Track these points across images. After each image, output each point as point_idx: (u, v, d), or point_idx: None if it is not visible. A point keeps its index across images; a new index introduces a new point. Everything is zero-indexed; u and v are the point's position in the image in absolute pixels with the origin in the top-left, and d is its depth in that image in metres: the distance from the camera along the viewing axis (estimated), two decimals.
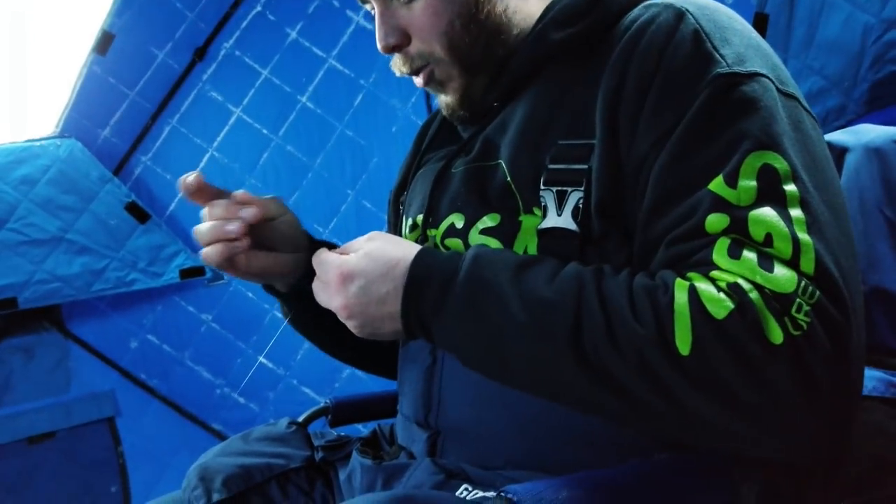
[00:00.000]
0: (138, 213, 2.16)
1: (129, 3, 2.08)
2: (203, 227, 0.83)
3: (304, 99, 2.31)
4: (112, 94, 2.16)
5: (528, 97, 0.78)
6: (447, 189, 0.82)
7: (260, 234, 0.84)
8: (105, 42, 2.08)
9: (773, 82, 0.65)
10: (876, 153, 0.94)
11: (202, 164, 2.29)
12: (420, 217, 0.85)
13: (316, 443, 0.99)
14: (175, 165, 2.28)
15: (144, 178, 2.26)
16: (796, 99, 0.67)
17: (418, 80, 0.83)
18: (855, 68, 1.41)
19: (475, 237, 0.76)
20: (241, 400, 2.31)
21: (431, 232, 0.82)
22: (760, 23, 1.60)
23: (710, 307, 0.57)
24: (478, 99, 0.82)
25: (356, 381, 2.22)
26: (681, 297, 0.58)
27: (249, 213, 0.81)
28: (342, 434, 1.05)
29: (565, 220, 0.69)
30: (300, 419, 1.17)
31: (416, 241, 0.84)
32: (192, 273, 2.23)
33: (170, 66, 2.23)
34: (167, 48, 2.21)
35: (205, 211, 0.84)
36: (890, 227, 0.90)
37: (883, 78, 1.35)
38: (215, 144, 2.29)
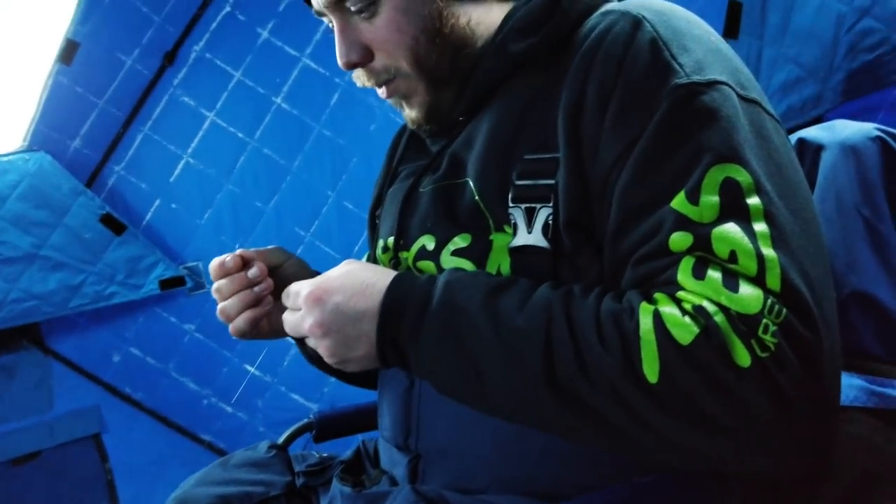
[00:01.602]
0: (114, 225, 2.12)
1: (92, 10, 2.03)
2: (229, 304, 0.86)
3: (278, 100, 2.27)
4: (80, 103, 2.12)
5: (492, 111, 0.76)
6: (416, 210, 0.81)
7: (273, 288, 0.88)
8: (70, 51, 2.03)
9: (733, 89, 0.64)
10: (852, 151, 0.92)
11: (177, 172, 2.25)
12: (391, 240, 0.83)
13: (297, 467, 0.98)
14: (149, 174, 2.24)
15: (118, 189, 2.22)
16: (758, 104, 0.66)
17: (381, 92, 0.81)
18: (830, 57, 1.40)
19: (447, 259, 0.75)
20: (229, 409, 2.29)
21: (403, 254, 0.81)
22: (734, 11, 1.59)
23: (675, 332, 0.56)
24: (443, 112, 0.81)
25: (345, 386, 2.20)
26: (646, 322, 0.58)
27: (255, 272, 0.84)
28: (324, 455, 1.04)
29: (536, 238, 0.69)
30: (281, 439, 1.16)
31: (389, 264, 0.83)
32: (173, 283, 2.20)
33: (139, 72, 2.18)
34: (135, 54, 2.16)
35: (218, 289, 0.86)
36: (868, 228, 0.88)
37: (858, 67, 1.34)
38: (190, 150, 2.25)
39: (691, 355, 0.55)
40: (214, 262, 0.86)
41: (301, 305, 0.71)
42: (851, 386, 0.78)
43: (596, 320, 0.60)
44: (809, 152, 0.97)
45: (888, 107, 1.39)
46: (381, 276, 0.71)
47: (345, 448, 1.07)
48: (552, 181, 0.68)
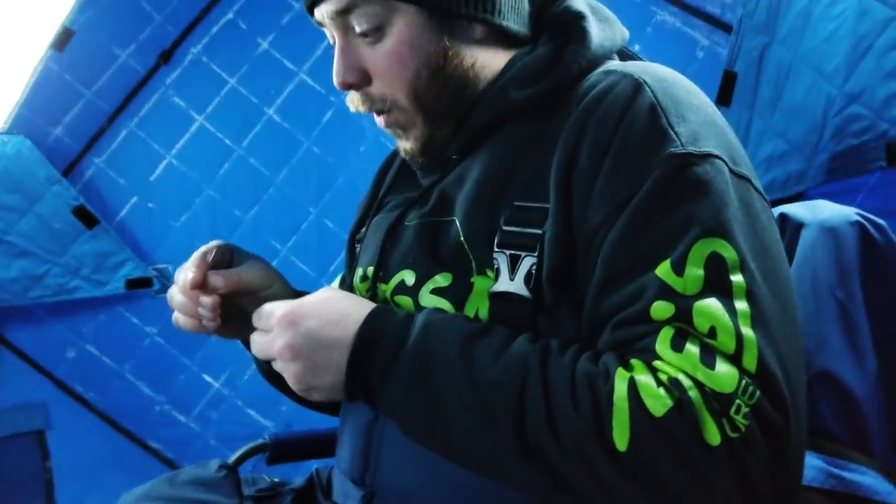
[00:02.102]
0: (86, 218, 2.07)
1: (93, 1, 2.00)
2: (176, 301, 0.85)
3: (271, 111, 2.26)
4: (68, 92, 2.08)
5: (486, 153, 0.76)
6: (399, 243, 0.80)
7: (240, 303, 0.86)
8: (64, 38, 2.00)
9: (726, 163, 0.65)
10: (831, 233, 0.94)
11: (159, 171, 2.22)
12: (371, 269, 0.83)
13: (246, 491, 0.95)
14: (130, 170, 2.20)
15: (95, 182, 2.18)
16: (748, 180, 0.67)
17: (380, 121, 0.81)
18: (817, 136, 1.43)
19: (426, 297, 0.74)
20: (182, 419, 2.23)
21: (382, 286, 0.80)
22: (729, 80, 1.62)
23: (648, 403, 0.56)
24: (438, 149, 0.81)
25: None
26: (620, 389, 0.58)
27: (207, 302, 0.82)
28: (276, 480, 1.02)
29: (517, 286, 0.69)
30: (232, 459, 1.13)
31: (366, 294, 0.82)
32: (139, 283, 2.15)
33: (132, 68, 2.16)
34: (130, 49, 2.14)
35: (170, 297, 0.85)
36: (840, 311, 0.89)
37: (843, 150, 1.37)
38: (174, 151, 2.23)
39: (662, 428, 0.56)
40: (178, 272, 0.84)
41: (273, 326, 0.70)
42: (810, 466, 0.78)
43: (571, 381, 0.60)
44: (790, 228, 0.98)
45: (868, 190, 1.42)
46: (359, 308, 0.70)
47: (296, 473, 1.05)
48: (539, 231, 0.69)
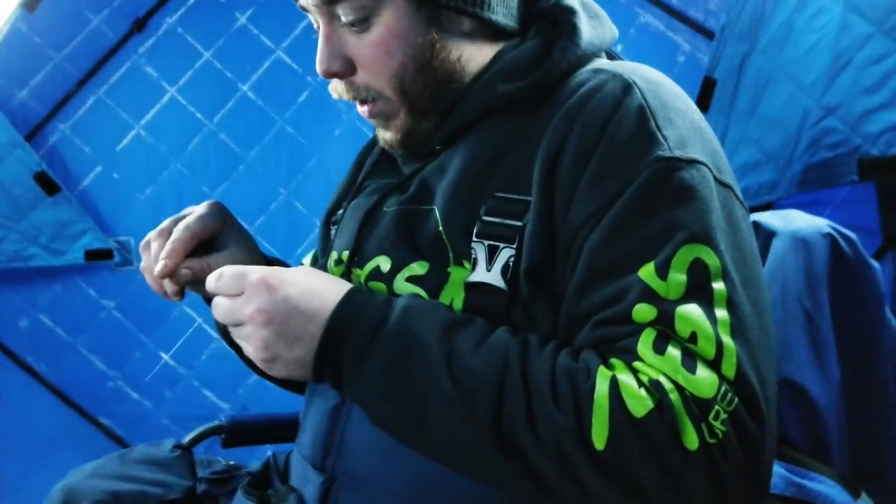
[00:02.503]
0: (47, 185, 2.01)
1: None
2: (146, 262, 0.84)
3: (245, 87, 2.21)
4: (36, 54, 2.02)
5: (469, 143, 0.75)
6: (376, 228, 0.79)
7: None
8: None
9: (711, 171, 0.66)
10: (802, 243, 0.95)
11: (126, 142, 2.16)
12: (346, 253, 0.81)
13: (200, 473, 0.94)
14: (96, 138, 2.14)
15: (59, 148, 2.11)
16: (731, 189, 0.68)
17: (362, 110, 0.79)
18: (791, 147, 1.44)
19: (400, 284, 0.73)
20: (135, 396, 2.18)
21: (356, 271, 0.79)
22: (708, 87, 1.64)
23: (629, 403, 0.56)
24: (420, 141, 0.80)
25: (263, 389, 2.13)
26: (602, 387, 0.57)
27: (172, 289, 0.81)
28: (231, 463, 1.00)
29: (494, 277, 0.68)
30: (186, 440, 1.11)
31: (343, 274, 0.81)
32: (99, 255, 2.09)
33: (104, 34, 2.10)
34: (103, 14, 2.08)
35: (153, 246, 0.82)
36: (807, 319, 0.91)
37: (817, 162, 1.39)
38: (143, 122, 2.17)
39: (642, 429, 0.56)
40: (152, 239, 0.82)
41: (245, 288, 0.66)
42: (773, 473, 0.79)
43: (551, 375, 0.60)
44: (762, 236, 0.99)
45: (837, 204, 1.45)
46: (340, 285, 0.68)
47: (251, 456, 1.03)
48: (519, 223, 0.68)
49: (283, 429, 1.20)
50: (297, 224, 2.22)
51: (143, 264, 0.83)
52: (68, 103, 2.12)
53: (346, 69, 0.76)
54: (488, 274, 0.69)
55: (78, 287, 2.15)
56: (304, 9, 0.77)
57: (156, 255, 0.80)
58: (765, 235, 0.99)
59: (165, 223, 0.82)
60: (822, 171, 1.38)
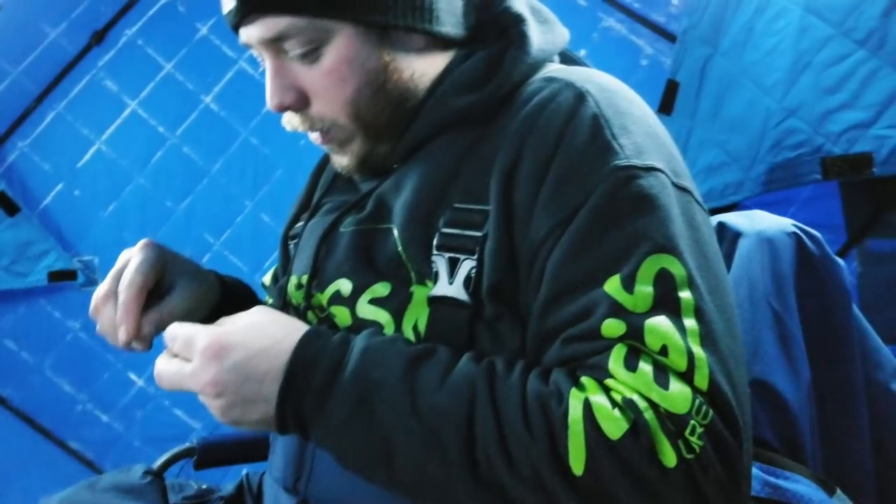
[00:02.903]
0: (7, 205, 1.98)
1: None
2: (102, 327, 0.79)
3: (207, 99, 2.19)
4: None
5: (425, 160, 0.74)
6: (334, 250, 0.77)
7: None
8: None
9: (668, 177, 0.65)
10: (768, 243, 0.95)
11: (87, 158, 2.12)
12: (305, 278, 0.79)
13: (172, 499, 0.92)
14: (56, 155, 2.10)
15: (19, 166, 2.07)
16: (690, 193, 0.67)
17: (315, 137, 0.76)
18: (755, 148, 1.46)
19: (363, 307, 0.72)
20: (105, 418, 2.14)
21: (317, 295, 0.77)
22: (671, 89, 1.65)
23: (604, 426, 0.55)
24: (376, 164, 0.78)
25: None
26: (575, 411, 0.56)
27: (139, 347, 0.77)
28: (204, 487, 0.98)
29: (456, 290, 0.67)
30: (157, 465, 1.08)
31: (303, 301, 0.79)
32: (63, 276, 2.05)
33: (62, 47, 2.07)
34: (61, 27, 2.05)
35: (104, 312, 0.78)
36: (776, 319, 0.91)
37: (780, 162, 1.41)
38: (104, 137, 2.13)
39: (619, 451, 0.55)
40: (101, 298, 0.77)
41: (193, 357, 0.63)
42: (751, 480, 0.80)
43: (522, 402, 0.58)
44: (728, 237, 1.00)
45: (801, 203, 1.47)
46: (291, 333, 0.64)
47: (225, 478, 1.01)
48: (479, 233, 0.67)
49: (255, 448, 1.17)
50: (264, 236, 2.19)
51: (99, 329, 0.79)
52: (27, 120, 2.08)
53: (298, 101, 0.73)
54: (450, 287, 0.67)
55: (42, 309, 2.10)
56: (246, 45, 0.73)
57: (111, 320, 0.76)
58: (731, 236, 1.00)
59: (107, 284, 0.77)
60: (785, 170, 1.40)
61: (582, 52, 1.91)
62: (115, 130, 2.14)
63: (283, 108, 0.73)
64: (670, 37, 1.91)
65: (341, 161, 0.78)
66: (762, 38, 1.49)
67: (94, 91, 2.11)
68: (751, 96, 1.50)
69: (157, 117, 2.16)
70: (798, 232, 0.95)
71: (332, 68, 0.70)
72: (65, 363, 2.11)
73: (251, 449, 1.18)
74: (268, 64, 0.72)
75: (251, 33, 0.70)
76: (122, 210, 2.14)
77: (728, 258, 0.98)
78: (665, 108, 1.67)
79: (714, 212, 1.05)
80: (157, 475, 0.94)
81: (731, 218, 1.02)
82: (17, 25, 1.97)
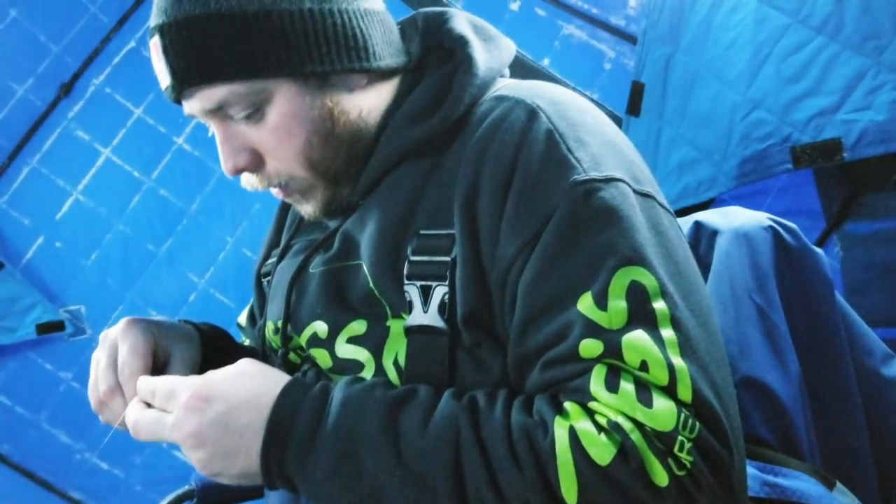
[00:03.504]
0: None
1: None
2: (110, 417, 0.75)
3: (180, 140, 2.19)
4: None
5: (385, 192, 0.74)
6: (305, 293, 0.77)
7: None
8: None
9: (629, 185, 0.65)
10: (745, 238, 0.95)
11: (65, 209, 2.12)
12: (280, 323, 0.79)
13: None
14: (34, 209, 2.10)
15: None
16: (653, 197, 0.67)
17: (276, 192, 0.76)
18: (725, 142, 1.47)
19: (342, 347, 0.72)
20: (104, 465, 2.13)
21: (295, 338, 0.77)
22: (637, 91, 1.66)
23: (592, 452, 0.55)
24: (341, 205, 0.77)
25: None
26: (562, 441, 0.56)
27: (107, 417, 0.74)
28: None
29: (432, 317, 0.67)
30: None
31: (280, 346, 0.79)
32: (51, 328, 2.05)
33: (31, 103, 2.08)
34: (28, 83, 2.06)
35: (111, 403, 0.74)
36: (760, 315, 0.91)
37: (751, 155, 1.42)
38: (80, 187, 2.13)
39: (609, 476, 0.55)
40: (99, 381, 0.74)
41: (175, 409, 0.63)
42: (746, 484, 0.79)
43: (507, 437, 0.58)
44: (705, 236, 1.00)
45: (776, 192, 1.48)
46: (272, 386, 0.64)
47: None
48: (447, 258, 0.67)
49: (254, 487, 1.16)
50: (248, 271, 2.15)
51: (106, 419, 0.76)
52: (2, 177, 2.08)
53: (252, 161, 0.72)
54: (426, 315, 0.67)
55: (32, 362, 2.09)
56: (191, 116, 0.73)
57: (123, 410, 0.72)
58: (708, 235, 1.00)
59: (107, 378, 0.73)
60: (756, 162, 1.41)
61: (545, 61, 1.92)
62: (91, 179, 2.14)
63: (238, 171, 0.72)
64: (631, 39, 1.92)
65: (306, 209, 0.78)
66: (721, 33, 1.50)
67: (67, 142, 2.12)
68: (715, 91, 1.51)
69: (131, 162, 2.17)
70: (774, 225, 0.95)
71: (278, 124, 0.69)
72: (60, 414, 2.10)
73: (250, 488, 1.17)
74: (216, 131, 0.72)
75: (193, 106, 0.70)
76: (105, 257, 2.14)
77: (707, 256, 0.98)
78: (632, 109, 1.68)
79: (690, 209, 1.05)
80: None
81: (706, 216, 1.02)
82: None
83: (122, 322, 0.75)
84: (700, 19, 1.56)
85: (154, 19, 0.69)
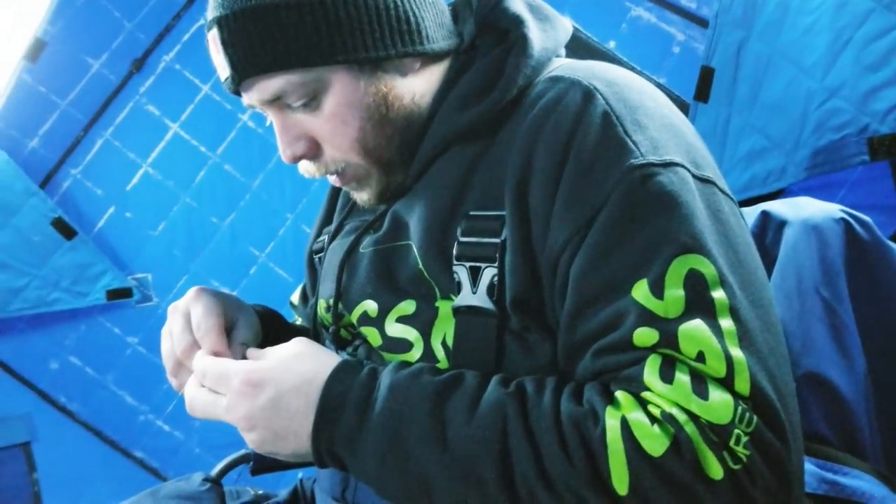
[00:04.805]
0: (64, 230, 2.06)
1: (64, 11, 2.00)
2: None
3: (245, 117, 2.24)
4: (42, 103, 2.07)
5: (436, 174, 0.74)
6: (356, 273, 0.78)
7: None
8: (36, 49, 2.00)
9: (688, 170, 0.63)
10: (815, 230, 0.92)
11: (135, 180, 2.20)
12: (332, 300, 0.81)
13: None
14: (106, 180, 2.18)
15: (73, 193, 2.15)
16: (713, 183, 0.65)
17: (333, 179, 0.77)
18: (797, 131, 1.42)
19: (391, 326, 0.73)
20: (166, 427, 2.21)
21: (346, 316, 0.78)
22: (706, 76, 1.61)
23: (644, 444, 0.54)
24: (396, 190, 0.78)
25: None
26: (613, 431, 0.55)
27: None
28: (259, 493, 1.01)
29: (481, 299, 0.67)
30: (215, 472, 1.11)
31: (332, 322, 0.80)
32: (120, 294, 2.13)
33: (105, 77, 2.14)
34: (103, 58, 2.13)
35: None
36: (826, 310, 0.88)
37: (824, 145, 1.36)
38: (150, 160, 2.20)
39: (662, 468, 0.54)
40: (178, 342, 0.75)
41: (227, 392, 0.65)
42: (803, 480, 0.77)
43: (557, 427, 0.57)
44: (773, 227, 0.97)
45: (850, 185, 1.42)
46: (322, 369, 0.65)
47: (280, 482, 1.03)
48: (497, 239, 0.66)
49: None
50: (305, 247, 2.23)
51: (182, 384, 0.77)
52: (77, 148, 2.16)
53: (310, 149, 0.73)
54: (474, 296, 0.67)
55: (101, 326, 2.18)
56: (250, 106, 0.74)
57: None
58: (776, 225, 0.97)
59: (179, 336, 0.74)
60: (830, 153, 1.35)
61: (611, 44, 1.89)
62: (160, 153, 2.21)
63: (297, 159, 0.74)
64: (702, 22, 1.87)
65: (361, 197, 0.79)
66: (798, 17, 1.44)
67: (138, 116, 2.19)
68: (790, 78, 1.45)
69: (198, 138, 2.22)
70: (847, 217, 0.92)
71: (335, 112, 0.70)
72: (126, 376, 2.20)
73: None
74: (274, 120, 0.73)
75: (251, 97, 0.71)
76: (171, 228, 2.21)
77: (774, 248, 0.96)
78: (701, 95, 1.63)
79: (758, 199, 1.02)
80: (216, 482, 0.97)
81: (775, 206, 0.99)
82: (63, 59, 2.05)
83: (191, 291, 0.78)
84: (776, 3, 1.50)
85: (212, 12, 0.70)
